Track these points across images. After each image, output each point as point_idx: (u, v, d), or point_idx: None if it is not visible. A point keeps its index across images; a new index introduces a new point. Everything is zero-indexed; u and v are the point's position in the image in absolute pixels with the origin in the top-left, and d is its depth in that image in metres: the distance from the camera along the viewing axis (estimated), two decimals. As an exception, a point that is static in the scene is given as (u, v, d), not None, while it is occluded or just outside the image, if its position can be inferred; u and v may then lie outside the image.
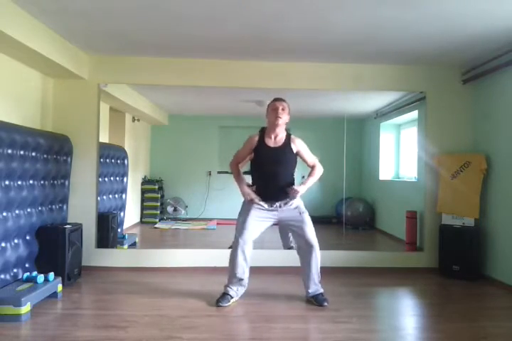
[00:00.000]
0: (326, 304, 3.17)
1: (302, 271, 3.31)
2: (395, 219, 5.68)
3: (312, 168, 3.32)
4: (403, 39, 3.56)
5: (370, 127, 6.68)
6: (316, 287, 3.27)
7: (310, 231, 3.24)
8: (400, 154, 6.18)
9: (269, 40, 3.66)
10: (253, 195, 3.21)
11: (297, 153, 3.26)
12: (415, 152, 5.00)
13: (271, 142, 3.23)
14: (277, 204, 3.20)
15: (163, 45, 3.85)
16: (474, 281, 3.95)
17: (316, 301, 3.22)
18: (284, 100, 3.25)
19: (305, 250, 3.26)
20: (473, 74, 4.19)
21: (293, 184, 3.26)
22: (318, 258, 3.27)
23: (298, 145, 3.25)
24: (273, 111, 3.19)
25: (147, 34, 3.56)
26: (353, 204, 6.48)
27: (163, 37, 3.63)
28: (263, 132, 3.27)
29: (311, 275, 3.26)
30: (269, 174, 3.20)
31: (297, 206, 3.24)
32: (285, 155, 3.21)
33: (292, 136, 3.27)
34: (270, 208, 3.21)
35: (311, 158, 3.31)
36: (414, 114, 5.20)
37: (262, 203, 3.21)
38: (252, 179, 3.33)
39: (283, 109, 3.18)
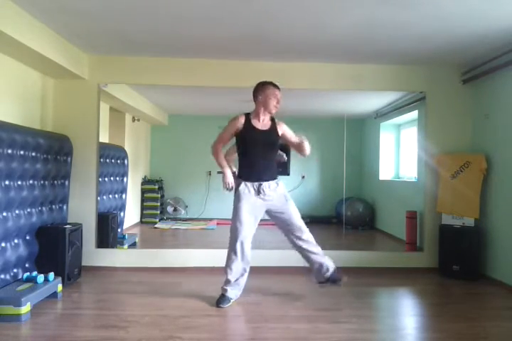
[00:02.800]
0: (342, 280, 3.23)
1: (308, 260, 3.30)
2: (395, 219, 5.69)
3: None
4: (403, 39, 3.56)
5: (370, 127, 6.68)
6: (330, 264, 3.28)
7: (296, 215, 3.26)
8: (400, 154, 6.18)
9: (269, 40, 3.66)
10: (232, 184, 3.23)
11: (282, 135, 3.30)
12: (415, 152, 5.01)
13: (259, 125, 3.24)
14: (264, 185, 3.19)
15: (163, 45, 3.85)
16: (474, 281, 3.95)
17: (333, 282, 3.25)
18: (279, 88, 3.27)
19: (297, 236, 3.26)
20: (473, 74, 4.19)
21: (275, 167, 3.32)
22: (312, 238, 3.28)
23: (283, 128, 3.31)
24: (274, 98, 3.20)
25: (147, 34, 3.56)
26: (353, 204, 6.48)
27: (163, 37, 3.63)
28: (249, 114, 3.27)
29: (318, 256, 3.26)
30: (258, 155, 3.22)
31: (283, 193, 3.26)
32: (273, 138, 3.27)
33: (276, 120, 3.31)
34: (258, 196, 3.19)
35: (295, 137, 3.34)
36: (414, 114, 5.21)
37: (246, 185, 3.20)
38: (239, 162, 3.32)
39: (279, 101, 3.23)
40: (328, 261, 3.30)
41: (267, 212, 3.29)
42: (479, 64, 4.05)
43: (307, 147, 3.25)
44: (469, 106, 4.38)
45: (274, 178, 3.27)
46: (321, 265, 3.28)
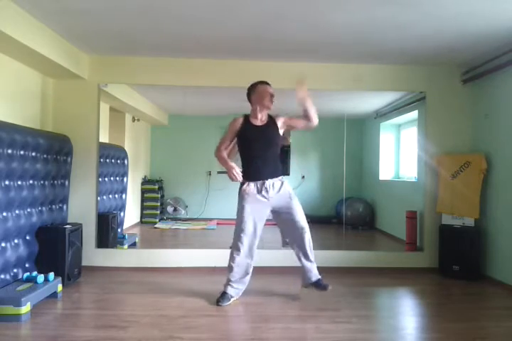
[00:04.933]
0: (330, 287, 3.23)
1: (299, 261, 3.34)
2: (395, 219, 5.68)
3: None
4: (403, 39, 3.56)
5: (370, 127, 6.67)
6: (315, 272, 3.32)
7: (300, 214, 3.28)
8: (400, 154, 6.17)
9: (269, 40, 3.67)
10: (238, 173, 3.17)
11: (285, 125, 3.33)
12: (415, 152, 5.00)
13: (257, 122, 3.29)
14: (267, 184, 3.19)
15: (163, 45, 3.85)
16: (474, 281, 3.95)
17: (317, 287, 3.27)
18: (270, 84, 3.30)
19: (297, 234, 3.29)
20: (473, 74, 4.19)
21: (279, 165, 3.32)
22: (310, 241, 3.31)
23: (281, 120, 3.33)
24: (267, 96, 3.24)
25: (147, 34, 3.56)
26: (353, 204, 6.48)
27: (163, 37, 3.63)
28: (248, 116, 3.33)
29: (310, 262, 3.31)
30: (258, 151, 3.24)
31: (288, 192, 3.27)
32: (272, 132, 3.29)
33: (273, 115, 3.34)
34: (261, 195, 3.20)
35: (298, 117, 3.32)
36: (414, 114, 5.20)
37: (249, 185, 3.22)
38: (242, 162, 3.34)
39: (273, 96, 3.26)
40: (314, 269, 3.32)
41: (272, 211, 3.30)
42: (479, 64, 4.05)
43: (313, 113, 3.22)
44: (469, 106, 4.38)
45: (278, 176, 3.28)
46: (308, 270, 3.32)
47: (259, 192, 3.21)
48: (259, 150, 3.24)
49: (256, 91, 3.28)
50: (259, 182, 3.22)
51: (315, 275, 3.33)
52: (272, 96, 3.25)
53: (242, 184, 3.27)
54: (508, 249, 3.74)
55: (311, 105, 3.21)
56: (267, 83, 3.31)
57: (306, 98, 3.18)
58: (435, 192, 4.35)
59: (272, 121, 3.31)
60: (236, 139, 3.32)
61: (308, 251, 3.32)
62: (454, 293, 3.72)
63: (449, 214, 4.23)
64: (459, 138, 4.37)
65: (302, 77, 3.21)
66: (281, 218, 3.34)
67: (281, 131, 3.34)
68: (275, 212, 3.32)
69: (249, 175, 3.25)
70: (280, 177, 3.30)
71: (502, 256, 3.84)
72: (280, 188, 3.25)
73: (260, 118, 3.29)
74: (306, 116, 3.25)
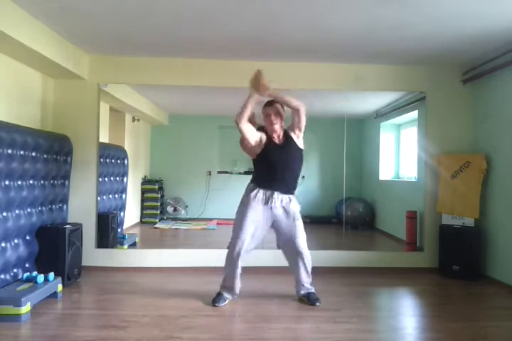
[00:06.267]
0: (318, 304, 3.18)
1: (292, 272, 3.32)
2: (395, 219, 5.68)
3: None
4: (403, 39, 3.56)
5: (370, 127, 6.68)
6: (307, 287, 3.29)
7: (301, 238, 3.23)
8: (400, 154, 6.18)
9: (269, 40, 3.67)
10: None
11: (295, 134, 3.24)
12: (415, 152, 5.00)
13: (276, 140, 3.24)
14: (275, 196, 3.15)
15: (163, 45, 3.85)
16: (474, 281, 3.95)
17: (308, 300, 3.23)
18: (275, 102, 3.20)
19: (293, 256, 3.26)
20: (473, 74, 4.19)
21: (295, 184, 3.27)
22: (308, 264, 3.27)
23: (291, 131, 3.25)
24: (266, 117, 3.20)
25: (147, 34, 3.56)
26: (353, 204, 6.48)
27: (163, 37, 3.63)
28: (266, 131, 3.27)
29: (301, 278, 3.27)
30: (278, 170, 3.17)
31: (294, 212, 3.22)
32: (292, 152, 3.23)
33: (286, 129, 3.28)
34: (267, 206, 3.15)
35: (293, 118, 3.23)
36: (414, 114, 5.21)
37: (258, 192, 3.17)
38: (256, 175, 3.29)
39: (275, 114, 3.18)
40: (303, 287, 3.28)
41: (273, 225, 3.25)
42: (479, 64, 4.05)
43: (287, 99, 3.12)
44: (469, 106, 4.38)
45: (289, 194, 3.23)
46: (301, 290, 3.29)
47: (266, 202, 3.16)
48: (279, 170, 3.18)
49: (262, 114, 3.24)
50: (268, 192, 3.17)
51: (307, 289, 3.29)
52: (269, 116, 3.16)
53: (251, 189, 3.21)
54: (508, 248, 3.74)
55: (278, 94, 3.11)
56: (268, 104, 3.21)
57: (269, 91, 3.06)
58: (435, 192, 4.35)
59: (288, 136, 3.24)
60: (256, 156, 3.24)
61: (303, 277, 3.27)
62: (454, 293, 3.72)
63: (449, 214, 4.23)
64: (459, 138, 4.37)
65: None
66: (280, 235, 3.28)
67: (298, 142, 3.26)
68: (275, 227, 3.26)
69: (260, 182, 3.21)
70: (291, 196, 3.24)
71: (502, 256, 3.84)
72: (287, 205, 3.19)
73: (278, 137, 3.24)
74: (288, 105, 3.16)
